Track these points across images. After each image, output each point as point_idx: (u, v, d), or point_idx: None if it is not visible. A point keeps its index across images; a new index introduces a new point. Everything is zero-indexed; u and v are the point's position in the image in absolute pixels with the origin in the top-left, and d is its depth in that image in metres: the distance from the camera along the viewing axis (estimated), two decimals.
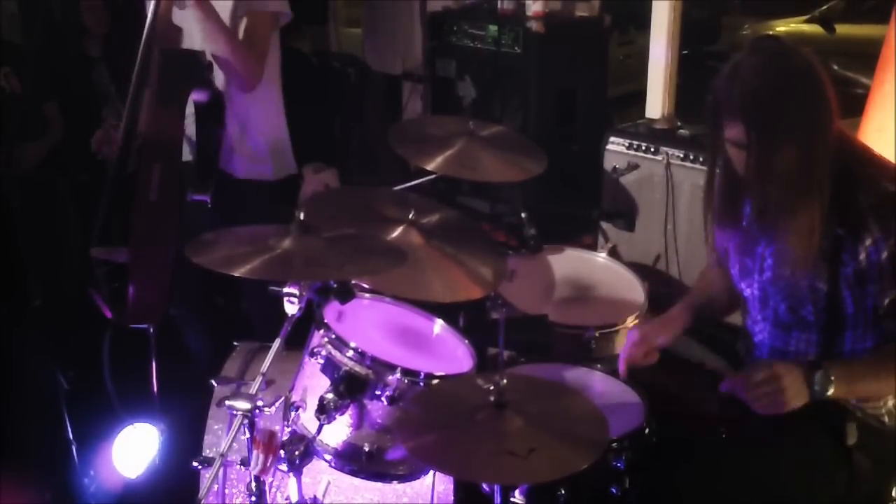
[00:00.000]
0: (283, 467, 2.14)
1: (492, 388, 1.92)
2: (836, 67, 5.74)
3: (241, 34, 3.03)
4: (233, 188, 3.18)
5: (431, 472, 2.28)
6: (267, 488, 2.11)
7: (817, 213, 2.02)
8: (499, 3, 4.82)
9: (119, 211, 2.94)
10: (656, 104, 4.28)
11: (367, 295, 2.49)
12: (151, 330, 2.99)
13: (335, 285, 2.16)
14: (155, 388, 3.06)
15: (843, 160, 2.04)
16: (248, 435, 2.01)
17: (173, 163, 2.89)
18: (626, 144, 3.98)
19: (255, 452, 2.01)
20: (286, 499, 2.24)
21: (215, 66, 3.02)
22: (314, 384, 2.21)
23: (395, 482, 2.28)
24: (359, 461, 2.19)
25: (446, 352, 2.43)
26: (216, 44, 2.96)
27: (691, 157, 3.76)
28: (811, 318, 2.15)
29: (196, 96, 3.00)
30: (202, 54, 2.95)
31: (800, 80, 2.00)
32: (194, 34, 3.05)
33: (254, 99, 3.15)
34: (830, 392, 2.02)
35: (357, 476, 2.23)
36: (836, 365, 2.05)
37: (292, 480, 2.19)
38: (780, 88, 1.99)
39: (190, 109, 3.03)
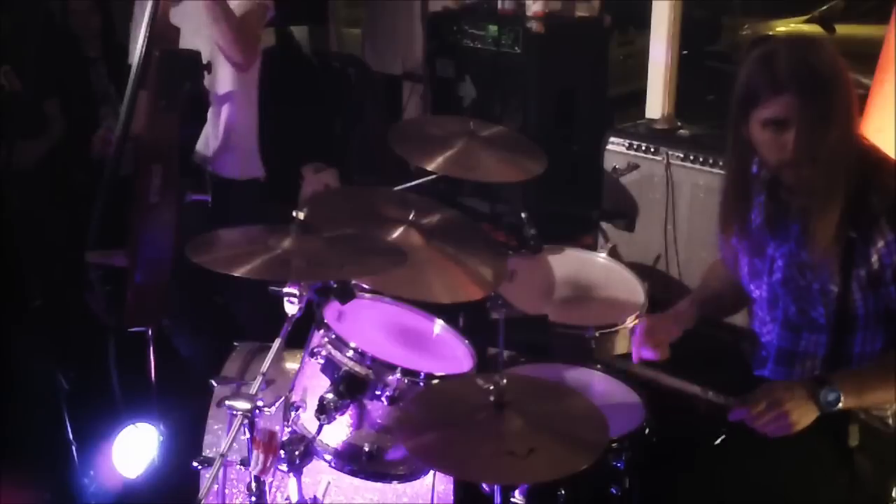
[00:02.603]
0: (283, 467, 2.14)
1: (492, 388, 1.92)
2: None
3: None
4: (226, 188, 3.21)
5: (431, 472, 2.28)
6: (267, 488, 2.11)
7: (840, 210, 2.02)
8: (499, 3, 4.82)
9: (114, 214, 2.94)
10: (656, 104, 4.27)
11: (367, 295, 2.49)
12: (150, 332, 2.99)
13: (335, 285, 2.16)
14: (154, 389, 3.06)
15: (855, 162, 2.04)
16: (248, 435, 2.01)
17: (172, 164, 2.89)
18: (626, 144, 3.97)
19: (255, 452, 2.01)
20: (286, 499, 2.24)
21: (217, 63, 3.05)
22: (314, 384, 2.21)
23: (395, 482, 2.28)
24: (359, 461, 2.19)
25: (446, 352, 2.43)
26: (217, 25, 3.03)
27: (691, 158, 3.76)
28: (822, 321, 2.15)
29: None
30: (200, 55, 2.96)
31: (841, 65, 2.01)
32: (191, 33, 3.07)
33: (245, 99, 3.25)
34: (840, 406, 2.02)
35: (357, 476, 2.23)
36: (843, 378, 2.05)
37: (292, 480, 2.19)
38: (832, 65, 2.00)
39: None
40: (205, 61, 2.98)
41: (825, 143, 1.98)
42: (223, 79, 3.20)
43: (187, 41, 3.08)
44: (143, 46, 2.90)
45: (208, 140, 3.25)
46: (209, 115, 3.20)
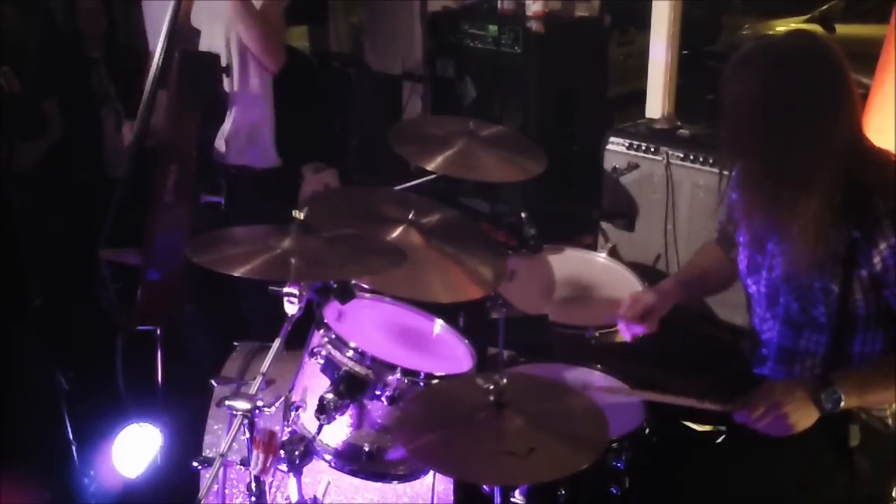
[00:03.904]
0: (283, 467, 2.14)
1: (492, 388, 1.92)
2: None
3: None
4: (244, 182, 3.22)
5: (431, 472, 2.28)
6: (267, 488, 2.11)
7: (823, 213, 2.01)
8: (499, 3, 4.82)
9: (128, 212, 2.95)
10: (656, 104, 4.27)
11: (367, 295, 2.49)
12: (158, 331, 3.00)
13: (335, 285, 2.16)
14: (159, 389, 3.07)
15: (858, 163, 2.03)
16: (248, 435, 2.01)
17: (189, 165, 2.91)
18: (626, 144, 3.97)
19: (255, 452, 2.01)
20: (286, 499, 2.25)
21: (246, 63, 3.07)
22: (314, 384, 2.21)
23: (395, 482, 2.28)
24: (359, 461, 2.19)
25: (446, 352, 2.43)
26: (250, 30, 3.02)
27: (691, 157, 3.76)
28: (823, 320, 2.15)
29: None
30: (219, 58, 2.97)
31: (800, 70, 1.98)
32: (211, 36, 3.07)
33: (268, 97, 3.25)
34: (842, 406, 2.02)
35: (357, 476, 2.24)
36: (844, 378, 2.05)
37: (292, 480, 2.19)
38: (767, 71, 1.99)
39: None
40: (223, 64, 2.99)
41: (756, 142, 2.01)
42: (251, 78, 3.19)
43: (206, 43, 3.08)
44: (163, 47, 2.90)
45: (229, 139, 3.24)
46: (231, 114, 3.19)
